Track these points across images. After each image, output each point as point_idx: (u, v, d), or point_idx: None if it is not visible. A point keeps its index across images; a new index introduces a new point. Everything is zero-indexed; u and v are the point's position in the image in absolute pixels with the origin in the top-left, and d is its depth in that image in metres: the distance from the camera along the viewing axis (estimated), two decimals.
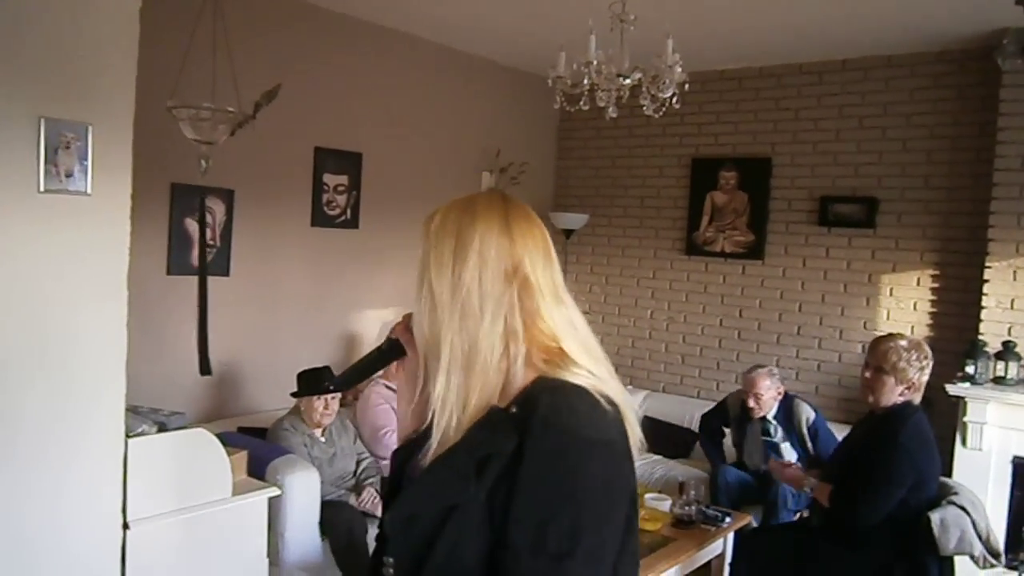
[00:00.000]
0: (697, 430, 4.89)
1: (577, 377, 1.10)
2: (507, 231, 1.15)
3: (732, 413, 4.59)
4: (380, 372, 1.35)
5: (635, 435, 1.14)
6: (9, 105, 2.24)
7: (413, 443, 1.21)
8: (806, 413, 4.32)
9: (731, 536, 3.79)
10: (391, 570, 1.13)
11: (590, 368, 1.12)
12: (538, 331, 1.13)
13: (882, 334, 3.37)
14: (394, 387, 4.35)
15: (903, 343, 3.15)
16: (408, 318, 1.27)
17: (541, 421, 1.04)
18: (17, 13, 2.25)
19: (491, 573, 1.02)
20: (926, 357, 3.14)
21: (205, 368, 3.60)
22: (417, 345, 1.20)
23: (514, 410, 1.07)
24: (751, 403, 4.37)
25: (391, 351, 1.30)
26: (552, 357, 1.12)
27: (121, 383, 2.54)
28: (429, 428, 1.14)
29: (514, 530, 1.00)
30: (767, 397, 4.35)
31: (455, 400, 1.11)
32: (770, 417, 4.37)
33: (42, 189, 2.32)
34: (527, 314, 1.13)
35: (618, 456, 1.08)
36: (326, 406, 3.84)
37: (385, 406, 4.25)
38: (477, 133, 5.74)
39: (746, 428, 4.48)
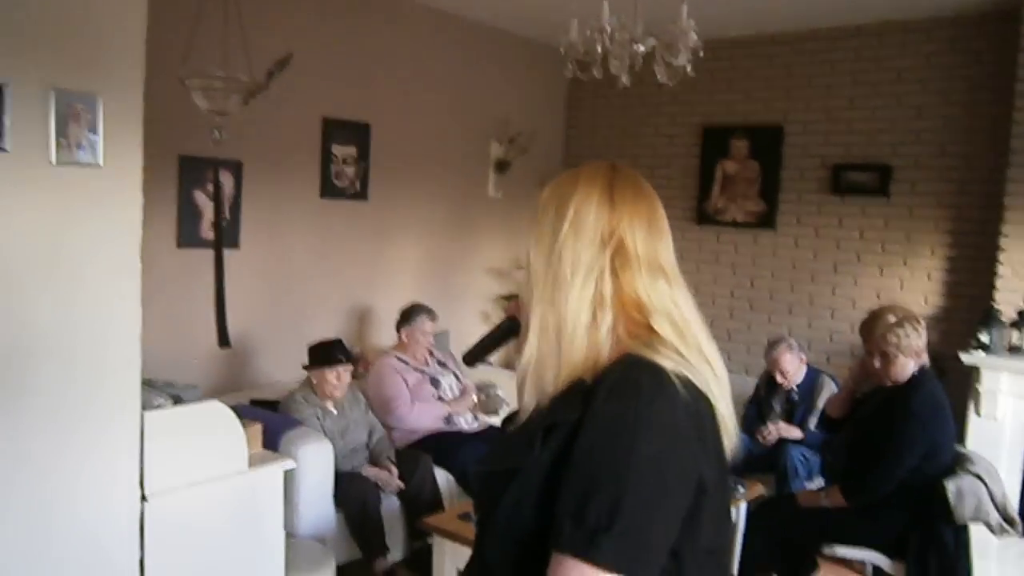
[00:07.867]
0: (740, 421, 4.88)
1: (660, 357, 1.06)
2: (608, 198, 1.13)
3: (760, 391, 4.62)
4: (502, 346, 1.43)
5: (726, 428, 1.12)
6: (20, 77, 2.21)
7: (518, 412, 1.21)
8: (829, 389, 4.31)
9: (744, 507, 3.79)
10: (475, 516, 1.23)
11: (678, 349, 1.08)
12: (628, 301, 1.11)
13: (867, 316, 3.26)
14: (405, 358, 4.36)
15: (892, 319, 3.11)
16: None
17: (603, 395, 1.02)
18: None
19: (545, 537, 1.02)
20: (918, 322, 3.13)
21: (224, 340, 3.59)
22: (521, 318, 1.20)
23: (589, 383, 1.06)
24: (779, 379, 4.44)
25: (510, 329, 1.33)
26: (639, 332, 1.10)
27: (136, 356, 2.53)
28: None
29: (563, 498, 0.99)
30: (792, 369, 4.41)
31: (540, 370, 1.11)
32: (795, 385, 4.44)
33: (54, 161, 2.29)
34: (619, 281, 1.11)
35: (680, 442, 1.02)
36: (338, 378, 3.84)
37: (396, 377, 4.25)
38: (486, 102, 5.68)
39: (772, 400, 4.52)
